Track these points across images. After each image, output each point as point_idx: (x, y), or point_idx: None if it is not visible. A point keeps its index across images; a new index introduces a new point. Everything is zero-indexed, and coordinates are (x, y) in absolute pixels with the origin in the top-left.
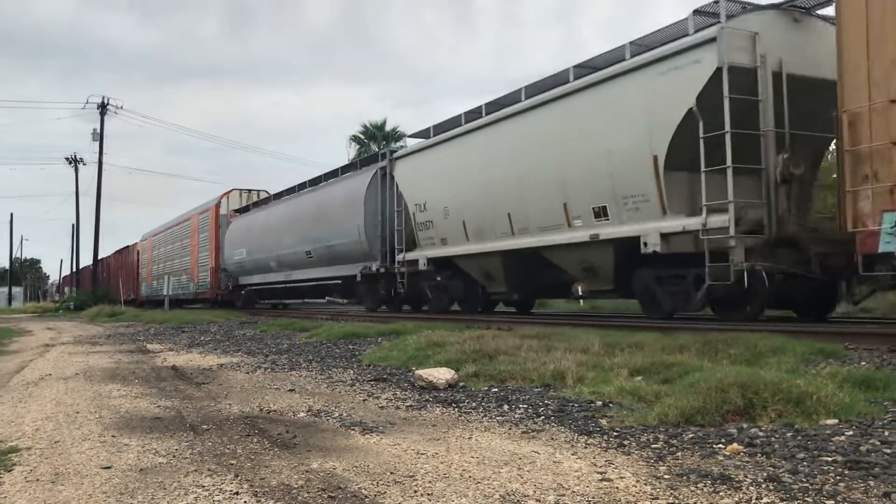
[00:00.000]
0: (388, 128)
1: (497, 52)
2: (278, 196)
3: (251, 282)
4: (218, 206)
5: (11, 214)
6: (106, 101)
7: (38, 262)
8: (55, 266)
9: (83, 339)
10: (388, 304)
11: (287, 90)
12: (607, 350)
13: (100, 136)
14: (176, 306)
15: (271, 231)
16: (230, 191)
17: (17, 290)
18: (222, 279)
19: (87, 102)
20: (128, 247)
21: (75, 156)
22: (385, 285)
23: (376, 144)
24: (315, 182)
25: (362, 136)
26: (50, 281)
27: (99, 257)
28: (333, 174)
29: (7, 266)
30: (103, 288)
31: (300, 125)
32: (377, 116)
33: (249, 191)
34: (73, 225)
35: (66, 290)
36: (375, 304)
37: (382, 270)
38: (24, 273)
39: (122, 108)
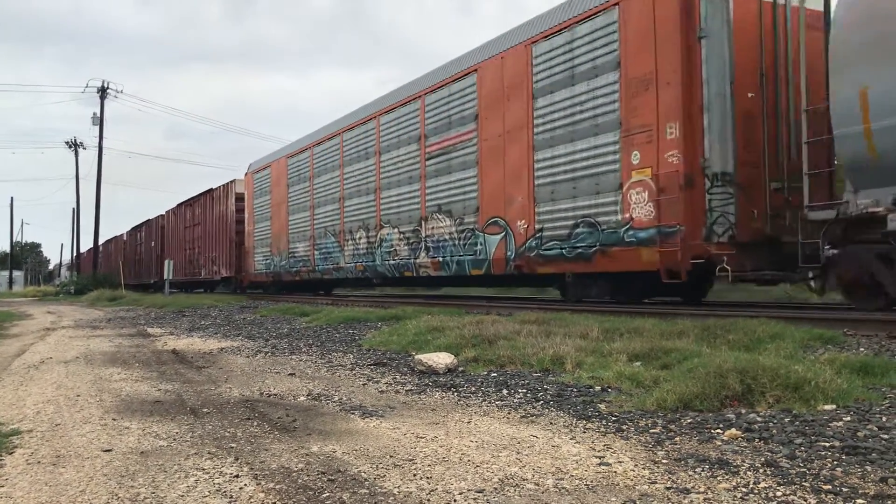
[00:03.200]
0: None
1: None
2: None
3: None
4: None
5: (12, 198)
6: (106, 85)
7: (39, 246)
8: (55, 250)
9: (84, 322)
10: None
11: (288, 74)
12: (606, 335)
13: (100, 121)
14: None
15: None
16: None
17: (17, 273)
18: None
19: (86, 86)
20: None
21: (75, 140)
22: None
23: None
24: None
25: None
26: (52, 265)
27: (108, 237)
28: None
29: (7, 250)
30: (129, 267)
31: (301, 109)
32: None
33: None
34: (73, 209)
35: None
36: None
37: None
38: (25, 257)
39: (122, 92)
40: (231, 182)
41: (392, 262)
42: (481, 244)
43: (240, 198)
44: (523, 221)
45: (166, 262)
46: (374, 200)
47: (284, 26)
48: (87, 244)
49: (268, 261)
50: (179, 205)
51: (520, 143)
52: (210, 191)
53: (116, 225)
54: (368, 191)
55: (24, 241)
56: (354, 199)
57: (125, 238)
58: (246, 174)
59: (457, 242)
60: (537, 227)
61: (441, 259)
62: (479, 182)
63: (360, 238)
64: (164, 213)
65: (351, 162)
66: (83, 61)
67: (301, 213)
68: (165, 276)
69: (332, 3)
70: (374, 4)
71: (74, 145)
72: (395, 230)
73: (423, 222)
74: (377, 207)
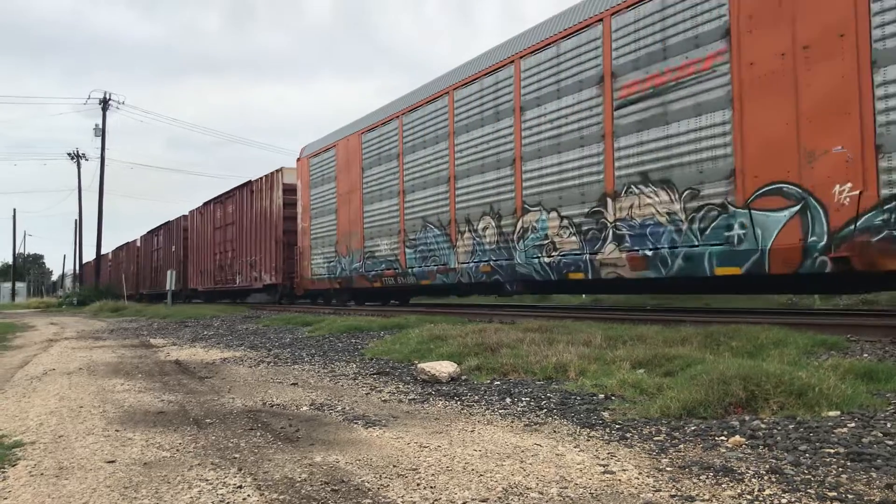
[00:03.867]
0: None
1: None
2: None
3: None
4: None
5: (14, 210)
6: (108, 97)
7: (42, 257)
8: (58, 261)
9: (86, 333)
10: None
11: (290, 84)
12: (609, 343)
13: (102, 132)
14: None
15: None
16: None
17: (20, 285)
18: None
19: (88, 98)
20: (167, 222)
21: (77, 151)
22: None
23: None
24: None
25: None
26: (55, 276)
27: (115, 246)
28: None
29: (10, 261)
30: (143, 275)
31: (303, 119)
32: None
33: None
34: (76, 220)
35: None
36: None
37: None
38: (28, 268)
39: (124, 103)
40: (277, 171)
41: (547, 259)
42: (742, 227)
43: (289, 189)
44: (847, 187)
45: (168, 272)
46: (512, 175)
47: (284, 36)
48: (89, 255)
49: (331, 263)
50: (207, 203)
51: (840, 54)
52: (248, 183)
53: (119, 235)
54: (500, 163)
55: (26, 253)
56: (475, 178)
57: (139, 244)
58: (298, 160)
59: (683, 227)
60: (886, 192)
61: (649, 252)
62: (737, 129)
63: (485, 229)
64: (186, 213)
65: (467, 129)
66: (85, 73)
67: (384, 202)
68: (168, 287)
69: (332, 13)
70: (374, 15)
71: (77, 157)
72: (552, 214)
73: (609, 200)
74: (517, 185)
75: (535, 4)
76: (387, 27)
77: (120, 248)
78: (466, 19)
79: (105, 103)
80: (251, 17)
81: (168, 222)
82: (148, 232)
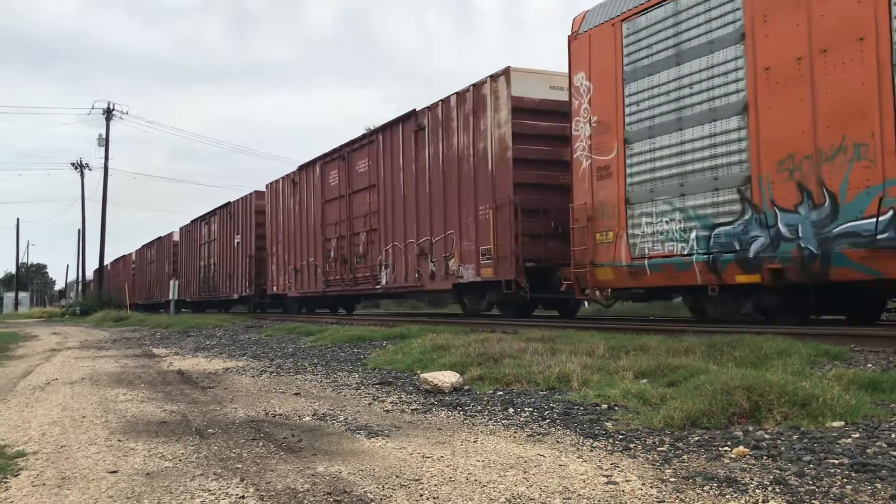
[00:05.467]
0: None
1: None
2: None
3: None
4: None
5: (18, 220)
6: (111, 107)
7: (45, 267)
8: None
9: (89, 343)
10: None
11: (291, 94)
12: (612, 353)
13: (105, 142)
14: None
15: None
16: None
17: (23, 295)
18: None
19: (92, 108)
20: (165, 235)
21: (81, 161)
22: None
23: None
24: None
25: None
26: (58, 286)
27: (125, 252)
28: None
29: (13, 271)
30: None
31: (304, 128)
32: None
33: None
34: (79, 230)
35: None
36: None
37: None
38: (31, 278)
39: (127, 113)
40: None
41: None
42: None
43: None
44: None
45: (171, 282)
46: None
47: (286, 46)
48: (93, 265)
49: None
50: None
51: None
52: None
53: (122, 245)
54: None
55: (29, 263)
56: None
57: (134, 258)
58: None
59: None
60: None
61: None
62: None
63: None
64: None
65: None
66: (88, 83)
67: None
68: (171, 297)
69: (334, 23)
70: (375, 25)
71: (80, 166)
72: None
73: None
74: None
75: (536, 14)
76: (388, 37)
77: (116, 261)
78: (468, 29)
79: (108, 113)
80: (254, 26)
81: (160, 238)
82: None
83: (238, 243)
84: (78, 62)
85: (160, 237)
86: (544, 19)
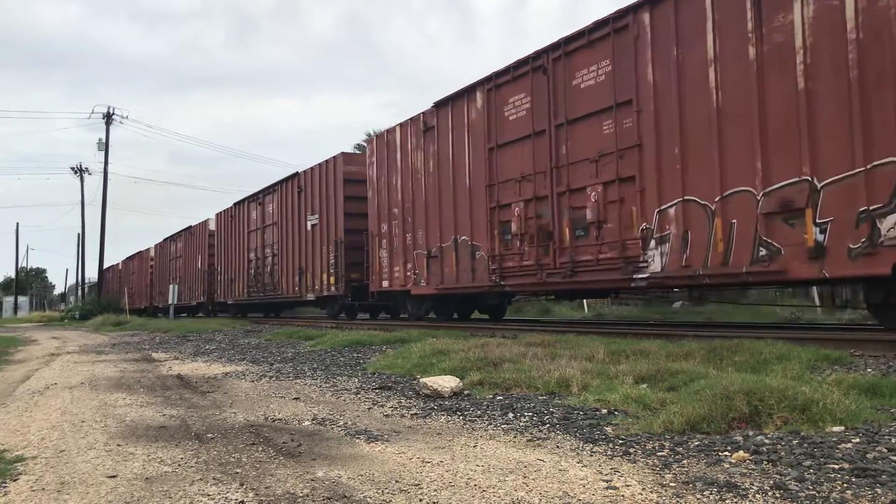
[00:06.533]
0: None
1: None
2: None
3: None
4: None
5: (17, 224)
6: (111, 111)
7: (44, 271)
8: (61, 275)
9: (88, 348)
10: None
11: (291, 99)
12: (612, 357)
13: (105, 146)
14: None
15: None
16: None
17: (22, 299)
18: None
19: (92, 112)
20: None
21: (81, 165)
22: None
23: None
24: None
25: (365, 145)
26: (57, 290)
27: (126, 256)
28: None
29: (13, 275)
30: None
31: (304, 133)
32: (380, 125)
33: None
34: (78, 234)
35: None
36: None
37: None
38: (30, 283)
39: (127, 117)
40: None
41: None
42: None
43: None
44: None
45: (171, 286)
46: None
47: (287, 51)
48: (92, 269)
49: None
50: (166, 239)
51: None
52: (188, 228)
53: (122, 249)
54: None
55: (29, 267)
56: None
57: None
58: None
59: None
60: None
61: None
62: None
63: None
64: (152, 245)
65: None
66: (89, 87)
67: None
68: (171, 301)
69: (334, 28)
70: (376, 30)
71: (80, 171)
72: None
73: None
74: None
75: (537, 21)
76: (388, 43)
77: (129, 259)
78: (469, 35)
79: (108, 118)
80: (255, 32)
81: (188, 228)
82: (165, 239)
83: (313, 226)
84: (79, 68)
85: (189, 227)
86: (544, 21)
